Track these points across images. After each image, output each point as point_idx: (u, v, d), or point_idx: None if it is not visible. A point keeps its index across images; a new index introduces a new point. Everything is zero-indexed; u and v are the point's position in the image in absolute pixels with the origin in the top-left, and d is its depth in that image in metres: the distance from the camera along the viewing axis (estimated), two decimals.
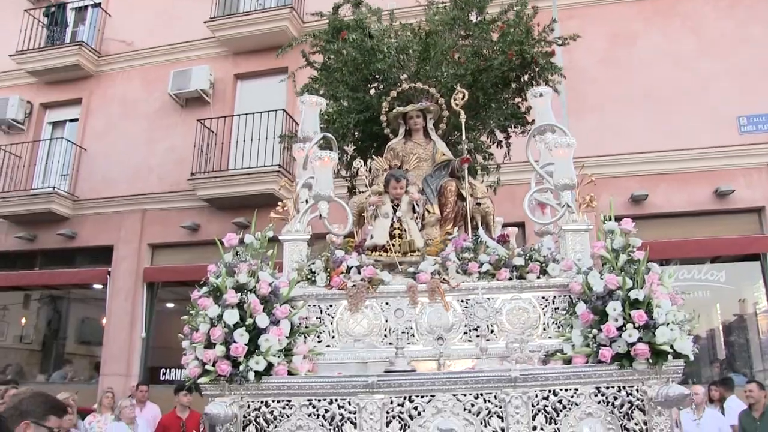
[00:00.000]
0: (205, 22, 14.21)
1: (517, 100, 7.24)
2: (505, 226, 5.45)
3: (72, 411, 5.41)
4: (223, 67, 14.75)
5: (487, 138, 7.50)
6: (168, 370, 13.26)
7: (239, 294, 3.56)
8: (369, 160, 5.51)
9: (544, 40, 7.05)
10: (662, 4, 12.93)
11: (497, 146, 7.61)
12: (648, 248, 3.92)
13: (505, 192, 8.01)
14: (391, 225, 4.37)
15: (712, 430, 7.59)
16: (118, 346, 13.33)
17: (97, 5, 15.99)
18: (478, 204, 5.28)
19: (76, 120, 15.62)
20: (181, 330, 3.72)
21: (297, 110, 12.79)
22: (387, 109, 5.79)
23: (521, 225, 6.01)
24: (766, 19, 12.34)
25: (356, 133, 6.85)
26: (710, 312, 12.31)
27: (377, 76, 6.68)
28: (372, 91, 6.71)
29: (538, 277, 4.19)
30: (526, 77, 6.98)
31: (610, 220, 4.12)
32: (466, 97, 5.59)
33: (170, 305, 14.70)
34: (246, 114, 13.66)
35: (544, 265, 4.21)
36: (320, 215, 4.22)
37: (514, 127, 7.44)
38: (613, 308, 3.58)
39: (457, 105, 5.52)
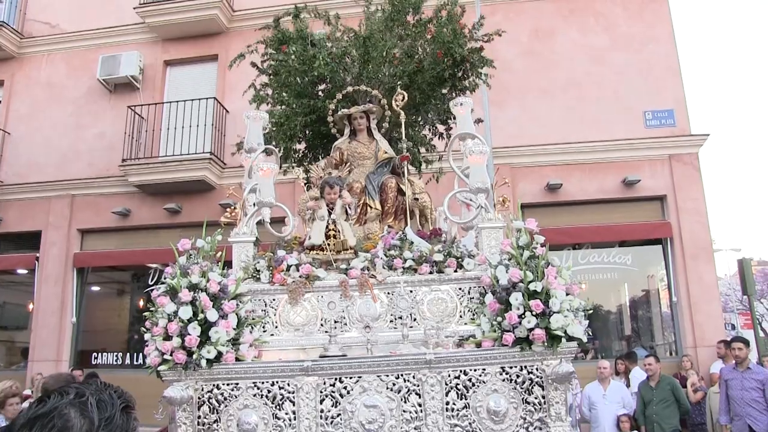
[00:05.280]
0: (134, 8, 14.17)
1: (453, 94, 7.49)
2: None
3: (20, 399, 5.69)
4: (152, 53, 14.74)
5: (429, 131, 7.86)
6: (99, 353, 13.41)
7: (192, 292, 4.00)
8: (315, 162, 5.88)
9: (473, 38, 7.36)
10: (578, 3, 13.64)
11: (439, 138, 7.95)
12: (548, 245, 4.47)
13: (445, 179, 8.27)
14: (327, 226, 4.82)
15: (616, 399, 8.37)
16: (48, 332, 13.34)
17: None
18: (416, 199, 5.75)
19: None
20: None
21: (227, 98, 13.15)
22: (332, 111, 6.17)
23: None
24: (669, 21, 13.23)
25: (307, 132, 7.17)
26: (618, 291, 13.25)
27: (322, 79, 6.94)
28: (320, 94, 6.99)
29: (455, 271, 4.66)
30: (460, 73, 7.32)
31: (518, 219, 4.67)
32: (406, 98, 5.99)
33: (100, 289, 14.79)
34: (177, 101, 13.78)
35: (460, 260, 4.70)
36: (263, 220, 4.68)
37: (454, 119, 7.85)
38: (515, 298, 4.11)
39: (398, 106, 5.91)
